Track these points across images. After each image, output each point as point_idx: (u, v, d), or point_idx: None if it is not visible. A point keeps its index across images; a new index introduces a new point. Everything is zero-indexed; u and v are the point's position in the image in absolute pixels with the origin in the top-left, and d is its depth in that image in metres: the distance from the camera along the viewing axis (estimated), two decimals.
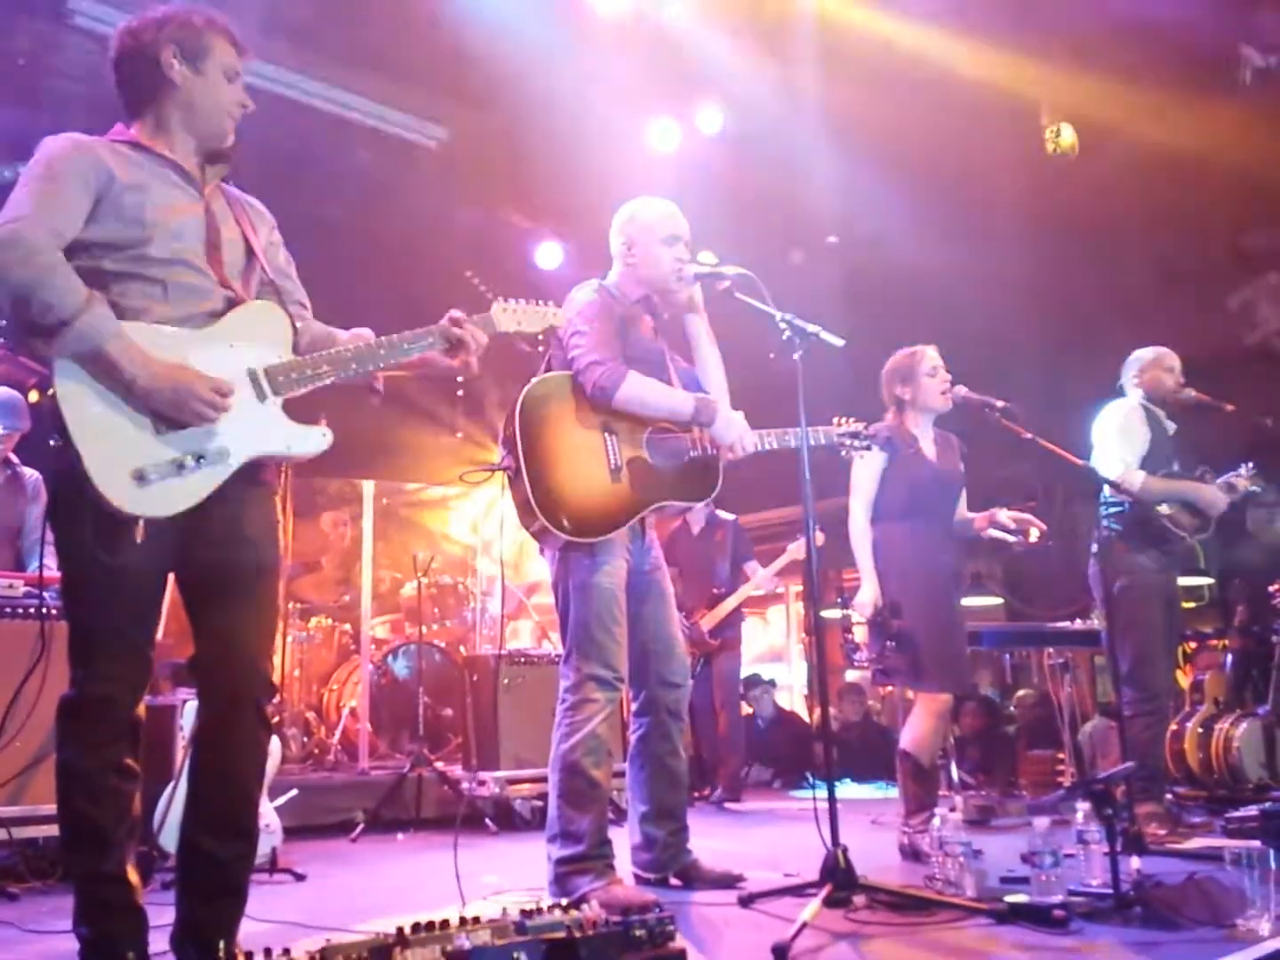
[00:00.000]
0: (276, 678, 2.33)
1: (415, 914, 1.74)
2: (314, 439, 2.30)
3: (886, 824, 4.52)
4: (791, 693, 9.78)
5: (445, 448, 8.70)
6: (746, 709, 7.40)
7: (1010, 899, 2.75)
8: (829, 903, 2.75)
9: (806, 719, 8.18)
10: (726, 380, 3.45)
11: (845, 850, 2.86)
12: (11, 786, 3.46)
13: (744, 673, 6.92)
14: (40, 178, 2.15)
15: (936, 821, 3.23)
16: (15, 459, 4.37)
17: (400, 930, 1.64)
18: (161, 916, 2.22)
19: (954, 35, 5.90)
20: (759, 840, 4.74)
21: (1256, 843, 3.08)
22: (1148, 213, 6.60)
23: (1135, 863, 2.95)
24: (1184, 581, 4.60)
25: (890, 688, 6.59)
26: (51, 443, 2.13)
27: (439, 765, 5.50)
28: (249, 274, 2.36)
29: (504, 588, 6.68)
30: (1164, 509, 4.26)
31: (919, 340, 4.09)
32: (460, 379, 8.64)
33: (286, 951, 1.57)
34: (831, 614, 7.51)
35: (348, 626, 7.07)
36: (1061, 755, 5.82)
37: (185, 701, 3.92)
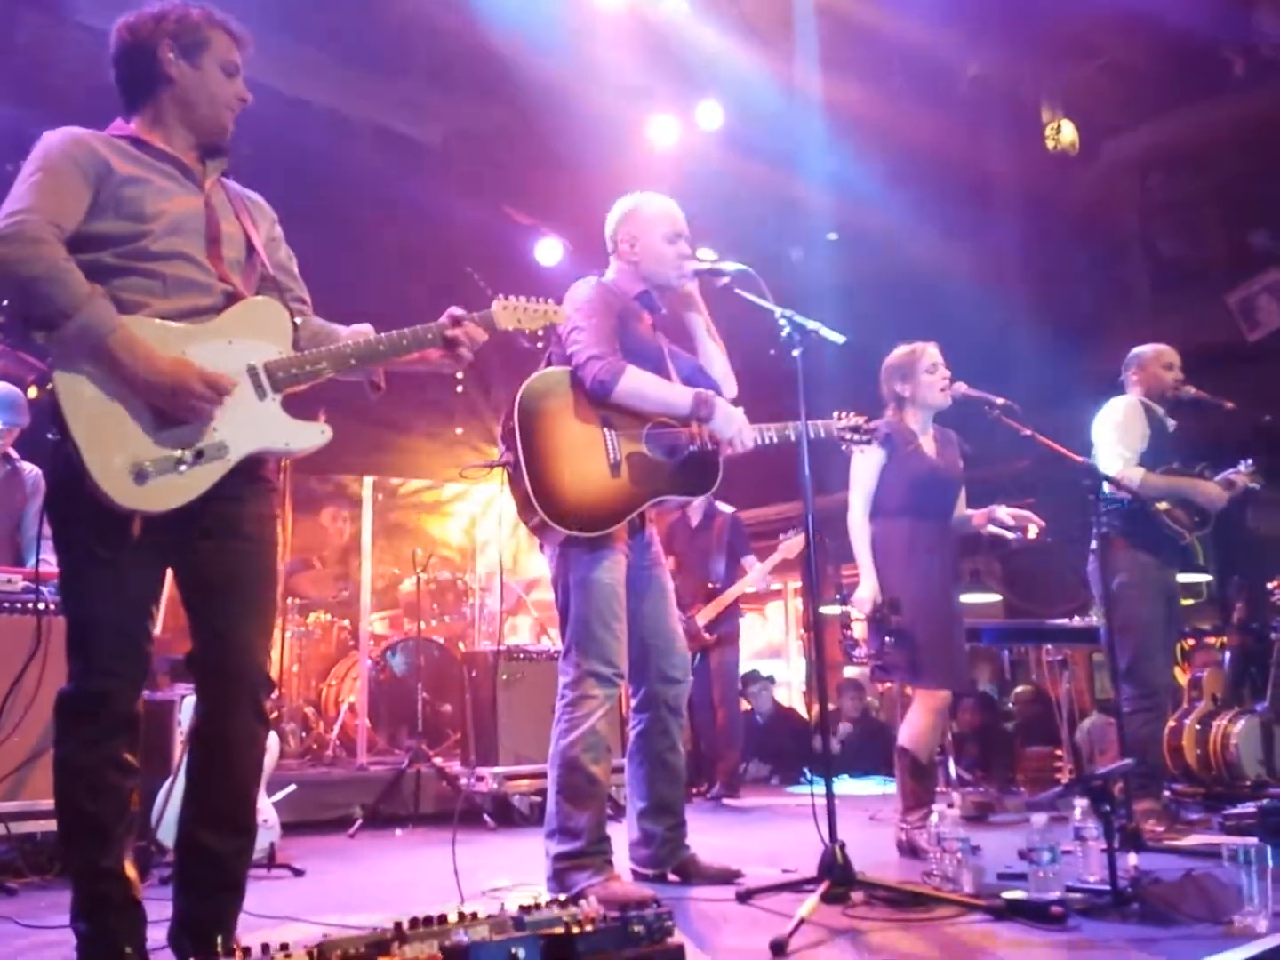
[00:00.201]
0: (275, 673, 2.33)
1: (413, 909, 1.74)
2: (313, 435, 2.30)
3: (884, 820, 4.53)
4: (790, 689, 9.79)
5: (445, 444, 8.70)
6: (745, 705, 7.40)
7: (1008, 895, 2.75)
8: (827, 899, 2.75)
9: (805, 715, 8.19)
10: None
11: (843, 846, 2.87)
12: (9, 782, 3.45)
13: (743, 669, 6.93)
14: (40, 171, 2.14)
15: (934, 818, 3.23)
16: (15, 454, 4.37)
17: (398, 925, 1.64)
18: (159, 912, 2.22)
19: (954, 32, 5.89)
20: (757, 836, 4.75)
21: (1254, 839, 3.09)
22: (1147, 209, 6.60)
23: (1133, 859, 2.95)
24: (1183, 578, 4.60)
25: (889, 684, 6.60)
26: (50, 436, 2.13)
27: (437, 761, 5.51)
28: (249, 269, 2.36)
29: (503, 583, 6.68)
30: (1163, 506, 4.26)
31: (918, 337, 4.09)
32: (460, 375, 8.65)
33: (284, 947, 1.57)
34: (830, 610, 7.51)
35: (346, 622, 7.09)
36: (1060, 752, 5.82)
37: (183, 697, 3.92)
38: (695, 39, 6.05)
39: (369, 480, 6.75)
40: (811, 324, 3.17)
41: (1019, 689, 7.34)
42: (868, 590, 3.86)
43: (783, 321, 3.18)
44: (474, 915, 1.72)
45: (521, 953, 1.66)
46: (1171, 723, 5.31)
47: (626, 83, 6.21)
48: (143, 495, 2.08)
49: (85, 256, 2.13)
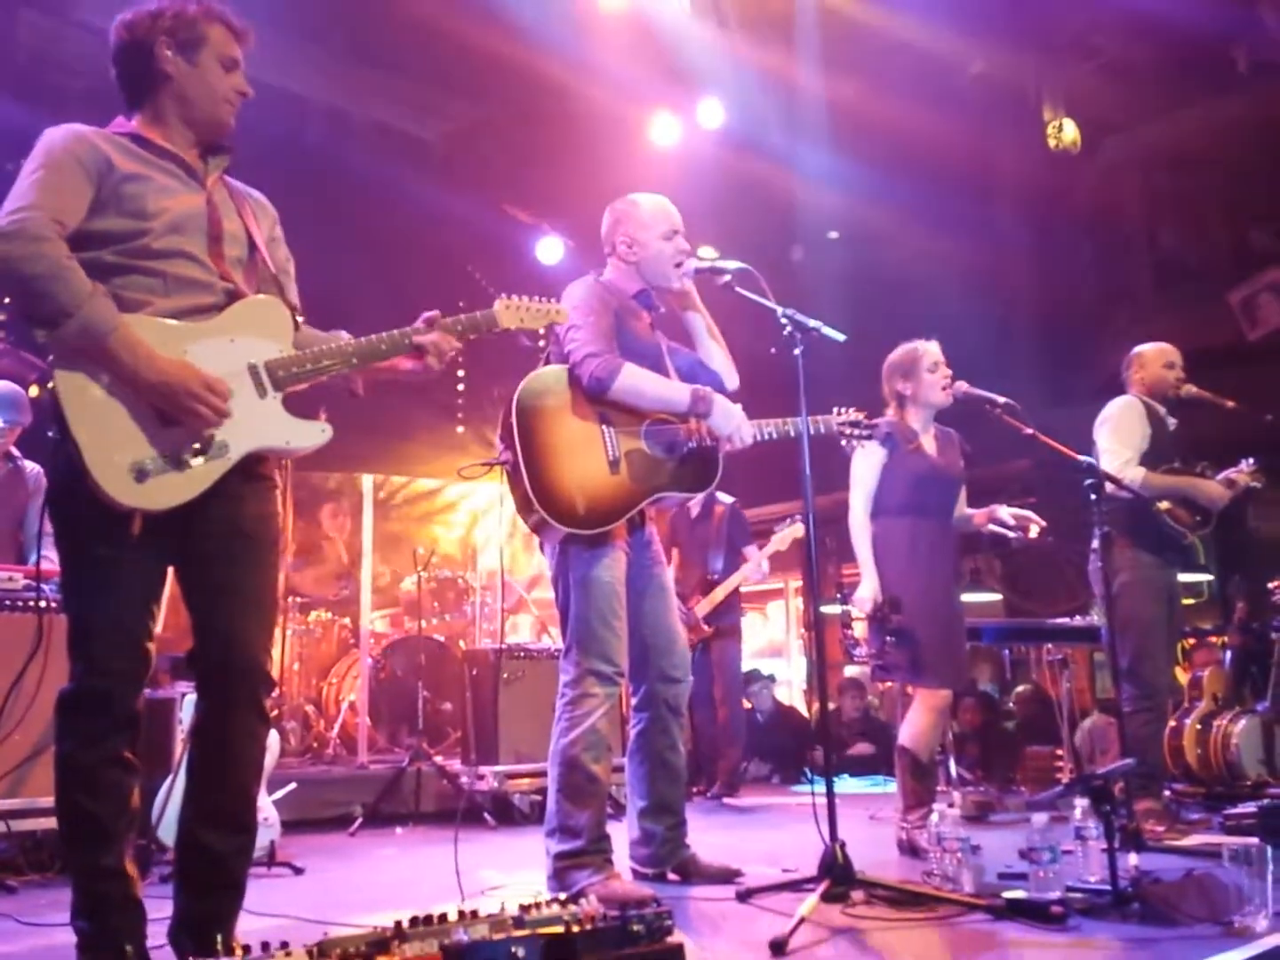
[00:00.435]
0: (276, 671, 2.33)
1: (413, 908, 1.74)
2: (313, 433, 2.30)
3: (885, 819, 4.52)
4: (791, 688, 9.79)
5: (446, 442, 8.70)
6: (746, 704, 7.39)
7: (1008, 895, 2.75)
8: (827, 898, 2.75)
9: (806, 714, 8.19)
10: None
11: (843, 845, 2.87)
12: (10, 779, 3.46)
13: (744, 667, 6.91)
14: (41, 168, 2.14)
15: (935, 817, 3.23)
16: (16, 453, 4.37)
17: (398, 924, 1.64)
18: (160, 910, 2.22)
19: (955, 30, 5.89)
20: (757, 835, 4.75)
21: (1254, 839, 3.08)
22: (1149, 208, 6.60)
23: (1133, 859, 2.95)
24: (1184, 578, 4.59)
25: (889, 683, 6.59)
26: (50, 434, 2.13)
27: (438, 759, 5.51)
28: (251, 267, 2.35)
29: (503, 581, 6.68)
30: (1164, 505, 4.26)
31: (920, 335, 4.09)
32: (462, 374, 8.65)
33: (284, 945, 1.57)
34: (831, 609, 7.50)
35: (347, 620, 7.09)
36: (1060, 751, 5.82)
37: (184, 695, 3.93)
38: (696, 38, 6.04)
39: (369, 479, 6.76)
40: (812, 322, 3.17)
41: (1019, 688, 7.34)
42: (868, 589, 3.86)
43: (783, 320, 3.18)
44: (474, 914, 1.72)
45: (521, 952, 1.66)
46: (1172, 722, 5.30)
47: (627, 81, 6.21)
48: (143, 493, 2.08)
49: (86, 254, 2.13)
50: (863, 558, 3.92)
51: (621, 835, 3.36)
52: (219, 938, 1.77)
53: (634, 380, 3.18)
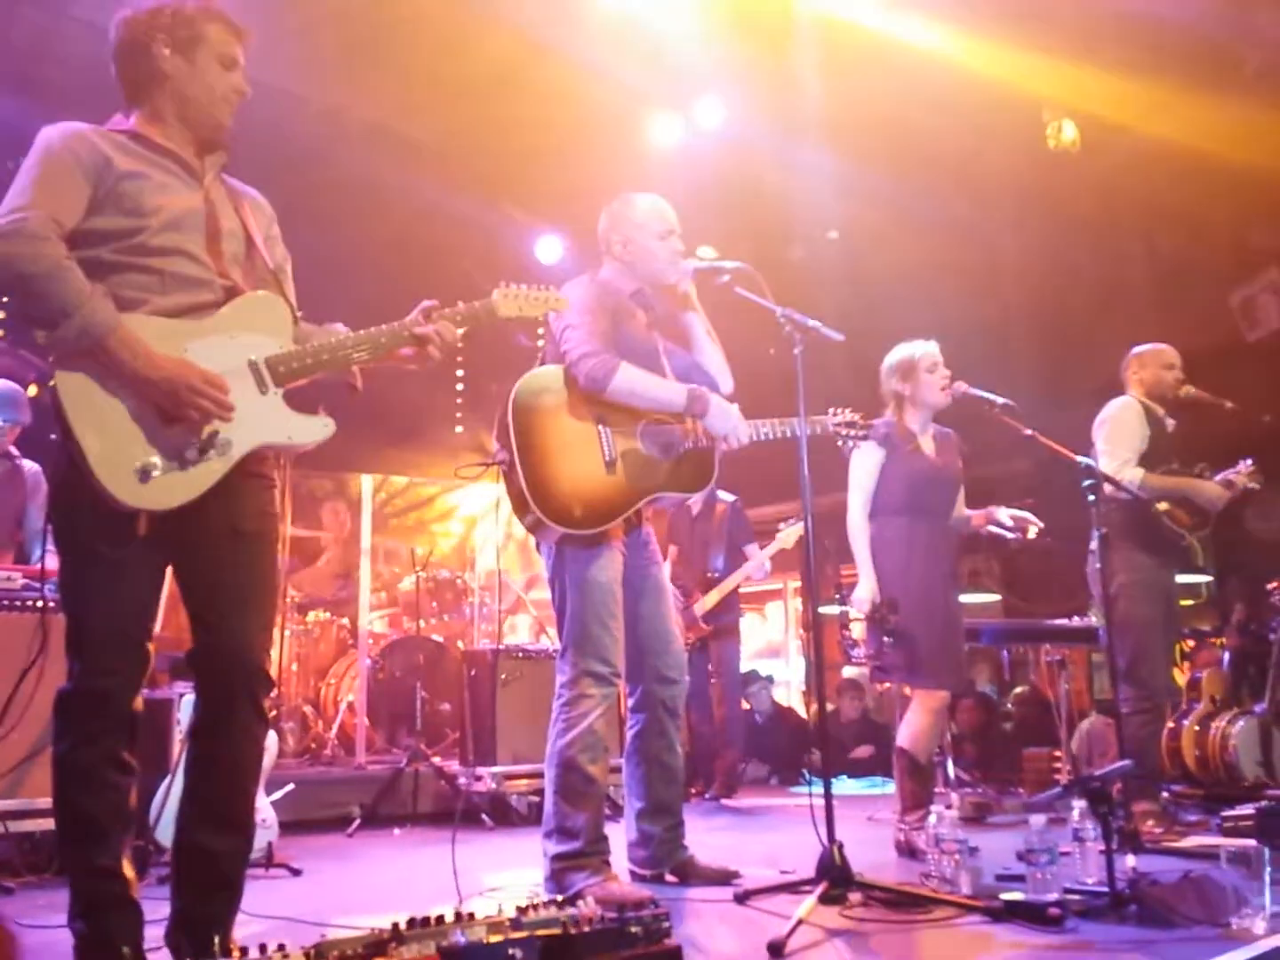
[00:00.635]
0: (274, 671, 2.33)
1: (411, 909, 1.74)
2: (316, 428, 2.29)
3: (883, 821, 4.52)
4: (789, 688, 9.79)
5: (445, 442, 8.69)
6: (744, 705, 7.39)
7: (1006, 897, 2.75)
8: (825, 900, 2.75)
9: (804, 715, 8.19)
10: (733, 373, 3.45)
11: (841, 847, 2.87)
12: (8, 779, 3.46)
13: (742, 668, 6.91)
14: (39, 166, 2.14)
15: (933, 818, 3.23)
16: (15, 452, 4.36)
17: (396, 926, 1.64)
18: (157, 911, 2.22)
19: (955, 30, 5.88)
20: (755, 837, 4.75)
21: (1252, 841, 3.08)
22: (1149, 209, 6.60)
23: (1131, 861, 2.95)
24: (1182, 579, 4.59)
25: (888, 684, 6.59)
26: (52, 436, 2.13)
27: (436, 760, 5.51)
28: (249, 265, 2.35)
29: (500, 582, 6.67)
30: (1163, 506, 4.26)
31: (918, 336, 4.09)
32: (461, 374, 8.63)
33: (282, 947, 1.57)
34: (829, 610, 7.51)
35: (345, 620, 7.09)
36: (1058, 753, 5.82)
37: (182, 695, 3.92)
38: (695, 37, 6.04)
39: (368, 479, 6.75)
40: (811, 322, 3.17)
41: (1018, 689, 7.34)
42: (866, 590, 3.86)
43: (782, 320, 3.18)
44: (471, 916, 1.71)
45: (519, 953, 1.66)
46: (1170, 724, 5.30)
47: (626, 80, 6.20)
48: (148, 493, 2.08)
49: (84, 253, 2.12)
50: (861, 559, 3.92)
51: (619, 836, 3.35)
52: (216, 939, 1.78)
53: (630, 380, 3.18)
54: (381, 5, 5.48)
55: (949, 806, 3.57)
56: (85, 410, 2.07)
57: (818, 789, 2.99)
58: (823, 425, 3.41)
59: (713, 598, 6.04)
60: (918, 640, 3.77)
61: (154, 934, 2.19)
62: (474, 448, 8.61)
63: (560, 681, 3.19)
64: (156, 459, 2.09)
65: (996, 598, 7.79)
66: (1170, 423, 4.47)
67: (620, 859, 3.29)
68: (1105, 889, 2.74)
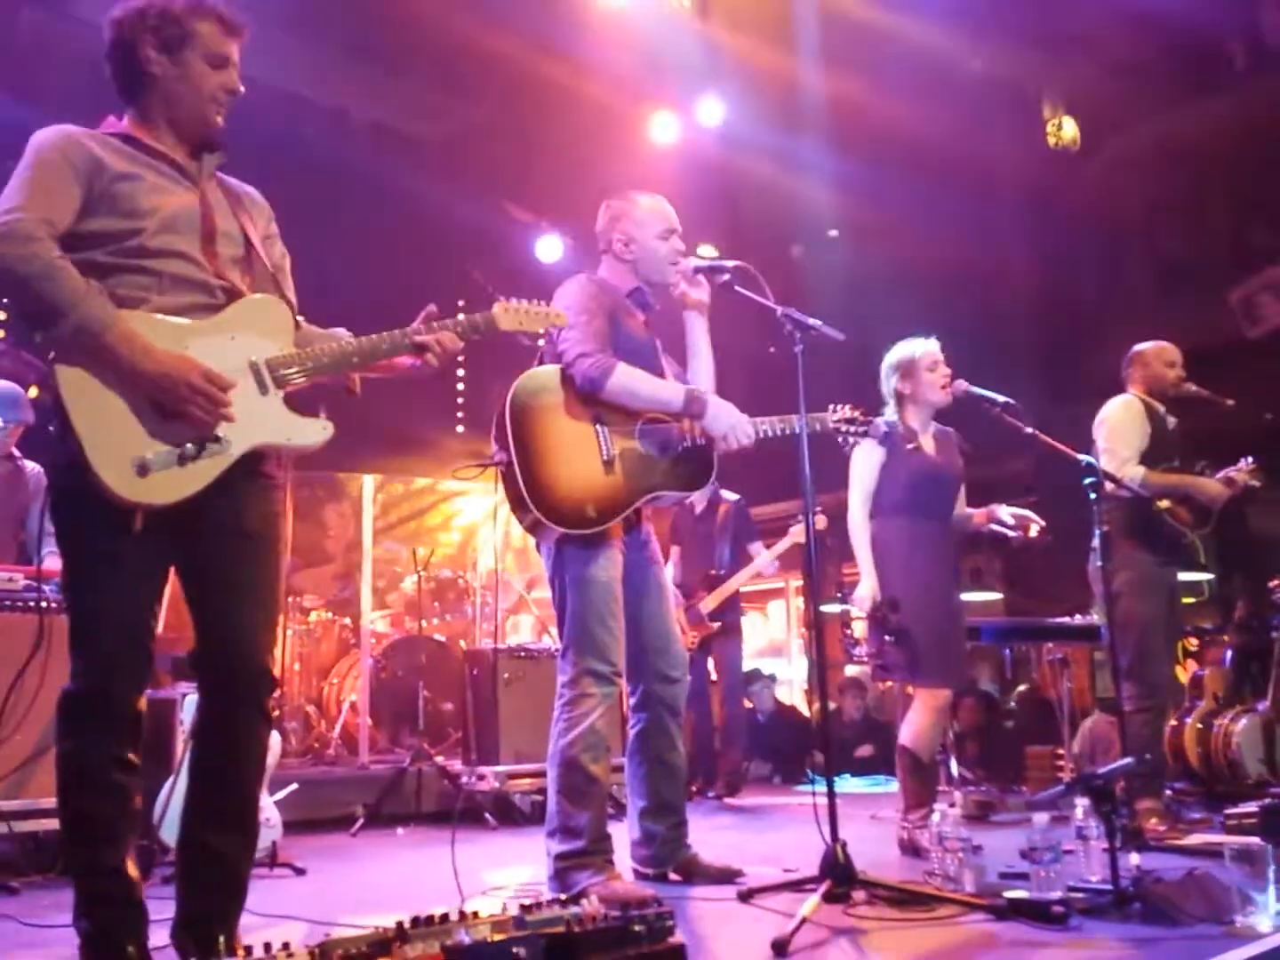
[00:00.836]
0: (277, 671, 2.33)
1: (415, 908, 1.74)
2: (315, 430, 2.30)
3: (886, 819, 4.52)
4: (791, 687, 9.79)
5: (447, 442, 8.70)
6: (747, 704, 7.39)
7: (1009, 895, 2.75)
8: (828, 898, 2.75)
9: (806, 714, 8.19)
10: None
11: (844, 845, 2.86)
12: (12, 780, 3.46)
13: (745, 665, 6.91)
14: (31, 169, 2.14)
15: (936, 817, 3.23)
16: (17, 453, 4.36)
17: (400, 925, 1.64)
18: (162, 911, 2.22)
19: (956, 28, 5.89)
20: (758, 835, 4.75)
21: (1256, 839, 3.08)
22: (1149, 206, 6.60)
23: (1135, 859, 2.95)
24: (1184, 576, 4.59)
25: (890, 682, 6.59)
26: (51, 429, 2.13)
27: (439, 759, 5.51)
28: (247, 266, 2.34)
29: (499, 581, 6.67)
30: (1164, 504, 4.26)
31: (919, 334, 4.09)
32: (462, 373, 8.62)
33: (286, 946, 1.57)
34: (831, 608, 7.50)
35: (348, 620, 7.09)
36: (1061, 751, 5.82)
37: (186, 695, 3.92)
38: (696, 35, 6.04)
39: (370, 479, 6.76)
40: (811, 321, 3.17)
41: (1020, 688, 7.33)
42: (867, 589, 3.85)
43: (782, 318, 3.17)
44: (475, 915, 1.72)
45: (523, 952, 1.66)
46: (1173, 722, 5.30)
47: (627, 79, 6.20)
48: (145, 488, 2.08)
49: (78, 255, 2.12)
50: (862, 557, 3.92)
51: (622, 835, 3.36)
52: (221, 938, 1.78)
53: (627, 380, 3.17)
54: (383, 5, 5.49)
55: (952, 805, 3.57)
56: (84, 405, 2.07)
57: (821, 787, 2.99)
58: (822, 423, 3.40)
59: (722, 593, 6.03)
60: (919, 639, 3.77)
61: (159, 934, 2.20)
62: (474, 448, 8.62)
63: (561, 681, 3.20)
64: (154, 455, 2.09)
65: (998, 596, 7.80)
66: (1171, 420, 4.47)
67: (623, 858, 3.29)
68: (1109, 887, 2.74)
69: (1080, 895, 2.76)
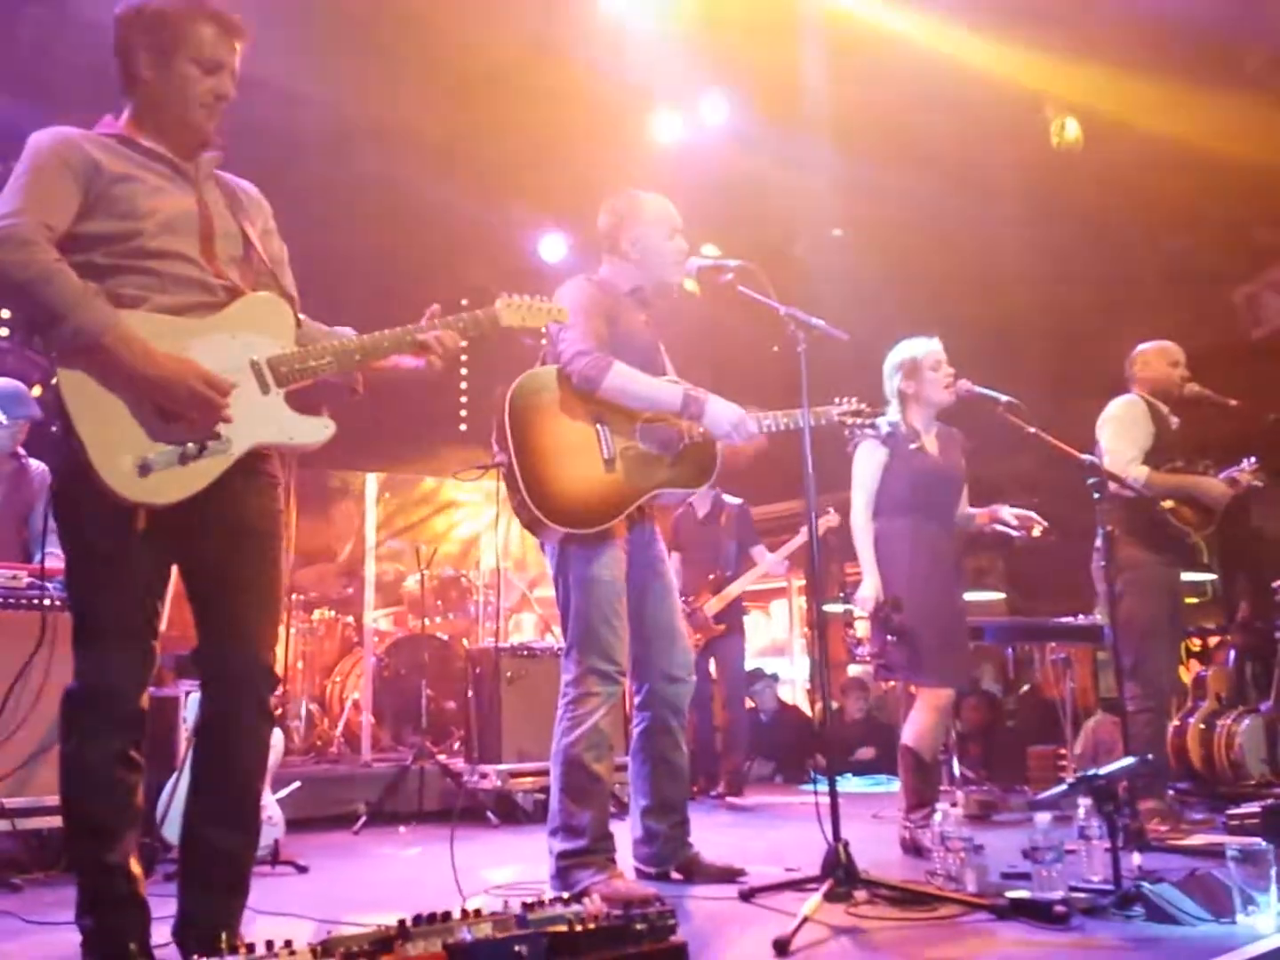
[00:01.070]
0: (279, 669, 2.34)
1: (417, 906, 1.74)
2: (316, 429, 2.30)
3: (888, 819, 4.52)
4: (794, 687, 9.79)
5: (450, 441, 8.70)
6: (749, 703, 7.39)
7: (1011, 894, 2.75)
8: (830, 897, 2.75)
9: (809, 713, 8.19)
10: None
11: (846, 845, 2.87)
12: (15, 778, 3.47)
13: (746, 666, 6.91)
14: (28, 173, 2.14)
15: (938, 816, 3.23)
16: (22, 451, 4.37)
17: (402, 923, 1.64)
18: (164, 908, 2.23)
19: (959, 28, 5.88)
20: (760, 835, 4.75)
21: (1258, 839, 3.08)
22: (1153, 206, 6.58)
23: (1137, 859, 2.95)
24: (1187, 577, 4.59)
25: (892, 682, 6.59)
26: (54, 429, 2.14)
27: (441, 758, 5.52)
28: (246, 265, 2.34)
29: (500, 579, 6.68)
30: (1168, 504, 4.25)
31: (923, 334, 4.08)
32: (465, 372, 8.62)
33: (288, 943, 1.57)
34: (834, 608, 7.50)
35: (350, 619, 7.10)
36: (1064, 751, 5.82)
37: (188, 693, 3.93)
38: (699, 34, 6.03)
39: (373, 477, 6.76)
40: (815, 320, 3.17)
41: (1023, 688, 7.33)
42: (870, 589, 3.85)
43: (785, 318, 3.17)
44: (477, 913, 1.72)
45: (525, 950, 1.66)
46: (1176, 722, 5.30)
47: (630, 78, 6.20)
48: (147, 488, 2.09)
49: (77, 257, 2.12)
50: (864, 557, 3.91)
51: (625, 834, 3.36)
52: (223, 936, 1.77)
53: (623, 379, 3.17)
54: (384, 4, 5.49)
55: (954, 804, 3.56)
56: (86, 406, 2.08)
57: (823, 787, 2.99)
58: (827, 416, 3.39)
59: (728, 595, 6.04)
60: (922, 638, 3.77)
61: (161, 931, 2.20)
62: (478, 446, 8.61)
63: (565, 680, 3.20)
64: (155, 455, 2.10)
65: (1001, 596, 7.80)
66: (1174, 420, 4.47)
67: (626, 856, 3.29)
68: (1111, 887, 2.74)
69: (1082, 895, 2.76)
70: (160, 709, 3.88)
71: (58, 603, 3.34)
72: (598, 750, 3.11)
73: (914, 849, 3.69)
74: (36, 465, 4.37)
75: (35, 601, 3.66)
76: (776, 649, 10.55)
